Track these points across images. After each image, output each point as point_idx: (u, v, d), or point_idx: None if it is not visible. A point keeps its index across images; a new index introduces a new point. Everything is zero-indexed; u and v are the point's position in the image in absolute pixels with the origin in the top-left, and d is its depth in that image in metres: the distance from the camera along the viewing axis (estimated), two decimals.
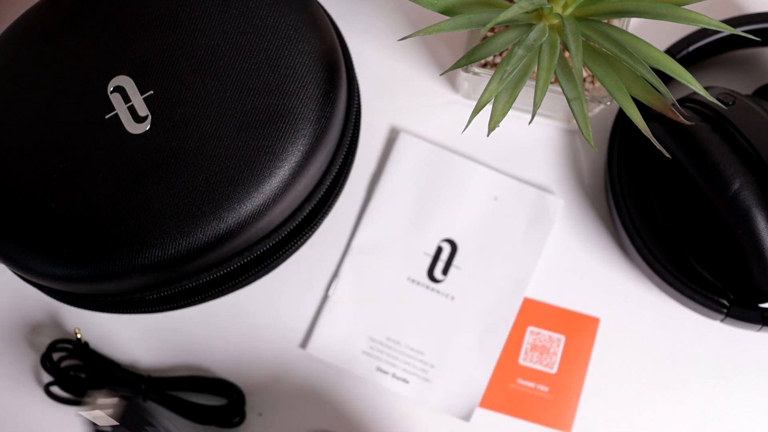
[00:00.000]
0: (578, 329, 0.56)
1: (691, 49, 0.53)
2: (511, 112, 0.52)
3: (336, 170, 0.48)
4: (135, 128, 0.45)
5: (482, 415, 0.55)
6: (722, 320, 0.51)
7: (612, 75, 0.42)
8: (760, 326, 0.50)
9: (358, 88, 0.50)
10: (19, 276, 0.48)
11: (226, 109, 0.45)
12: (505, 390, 0.55)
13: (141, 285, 0.46)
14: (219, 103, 0.45)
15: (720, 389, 0.55)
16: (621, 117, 0.54)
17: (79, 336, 0.54)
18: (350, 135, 0.49)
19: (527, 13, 0.42)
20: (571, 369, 0.55)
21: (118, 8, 0.46)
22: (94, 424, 0.46)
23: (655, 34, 0.51)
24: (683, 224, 0.51)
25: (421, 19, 0.58)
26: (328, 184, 0.48)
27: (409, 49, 0.58)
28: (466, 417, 0.55)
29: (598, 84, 0.50)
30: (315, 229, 0.50)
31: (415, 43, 0.58)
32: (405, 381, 0.55)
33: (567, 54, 0.47)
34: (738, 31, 0.40)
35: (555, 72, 0.41)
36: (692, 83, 0.40)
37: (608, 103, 0.49)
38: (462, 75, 0.53)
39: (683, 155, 0.48)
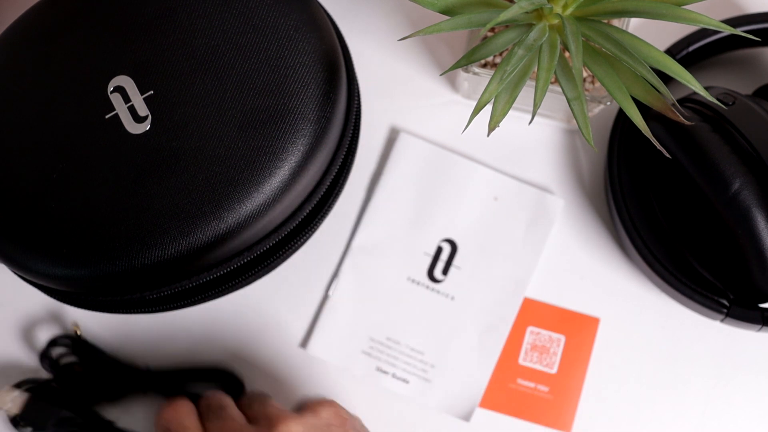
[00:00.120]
0: (578, 329, 0.56)
1: (691, 49, 0.53)
2: (511, 112, 0.52)
3: (336, 170, 0.48)
4: (135, 128, 0.45)
5: (482, 415, 0.55)
6: (722, 320, 0.51)
7: (612, 75, 0.42)
8: (760, 326, 0.50)
9: (358, 88, 0.50)
10: (19, 276, 0.48)
11: (226, 109, 0.45)
12: (505, 390, 0.55)
13: (141, 285, 0.46)
14: (219, 103, 0.45)
15: (720, 389, 0.55)
16: (621, 117, 0.54)
17: (77, 332, 0.54)
18: (350, 135, 0.49)
19: (527, 13, 0.42)
20: (571, 369, 0.55)
21: (118, 8, 0.46)
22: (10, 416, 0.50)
23: (655, 34, 0.51)
24: (683, 224, 0.51)
25: (421, 19, 0.58)
26: (328, 184, 0.48)
27: (409, 49, 0.58)
28: (466, 417, 0.55)
29: (598, 84, 0.50)
30: (315, 229, 0.50)
31: (415, 43, 0.58)
32: (405, 381, 0.55)
33: (567, 54, 0.47)
34: (738, 31, 0.40)
35: (555, 72, 0.41)
36: (692, 83, 0.40)
37: (608, 103, 0.49)
38: (462, 75, 0.53)
39: (683, 155, 0.48)
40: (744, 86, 0.56)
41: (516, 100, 0.42)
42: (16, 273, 0.48)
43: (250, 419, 0.49)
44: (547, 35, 0.41)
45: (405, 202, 0.56)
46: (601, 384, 0.55)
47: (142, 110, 0.45)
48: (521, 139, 0.57)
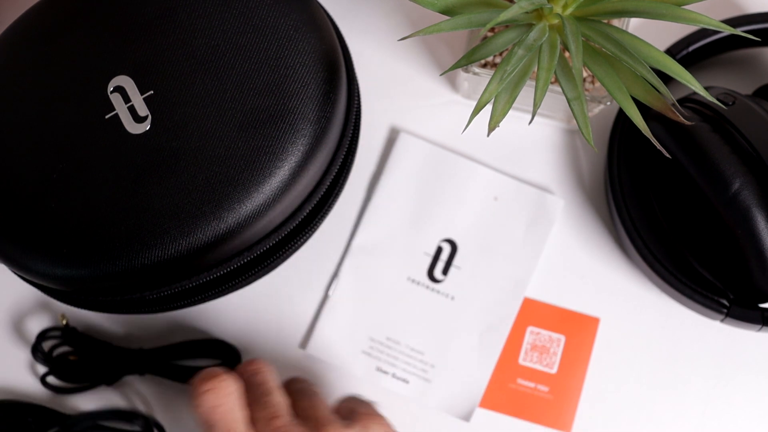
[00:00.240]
0: (578, 329, 0.56)
1: (691, 49, 0.53)
2: (511, 112, 0.52)
3: (336, 170, 0.48)
4: (135, 128, 0.45)
5: (482, 415, 0.55)
6: (722, 320, 0.51)
7: (612, 75, 0.42)
8: (760, 326, 0.50)
9: (358, 88, 0.50)
10: (19, 276, 0.48)
11: (226, 109, 0.45)
12: (505, 390, 0.55)
13: (141, 285, 0.46)
14: (219, 103, 0.45)
15: (720, 389, 0.55)
16: (621, 117, 0.54)
17: (65, 322, 0.54)
18: (350, 135, 0.49)
19: (527, 13, 0.42)
20: (571, 369, 0.55)
21: (118, 8, 0.46)
22: None
23: (655, 34, 0.51)
24: (683, 224, 0.51)
25: (421, 19, 0.58)
26: (328, 184, 0.48)
27: (409, 49, 0.58)
28: (466, 417, 0.55)
29: (598, 84, 0.50)
30: (315, 229, 0.50)
31: (415, 43, 0.58)
32: (405, 381, 0.55)
33: (567, 54, 0.47)
34: (738, 31, 0.40)
35: (555, 72, 0.41)
36: (692, 83, 0.40)
37: (608, 103, 0.49)
38: (462, 75, 0.53)
39: (683, 155, 0.48)
40: (744, 86, 0.56)
41: (516, 100, 0.42)
42: (16, 273, 0.48)
43: (297, 413, 0.45)
44: (547, 35, 0.41)
45: (405, 202, 0.56)
46: (601, 384, 0.55)
47: (142, 110, 0.45)
48: (521, 139, 0.57)
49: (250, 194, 0.44)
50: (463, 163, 0.57)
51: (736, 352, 0.55)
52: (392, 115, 0.57)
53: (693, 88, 0.40)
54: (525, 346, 0.55)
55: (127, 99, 0.45)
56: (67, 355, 0.54)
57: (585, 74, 0.50)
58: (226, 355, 0.54)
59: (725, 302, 0.51)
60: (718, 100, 0.48)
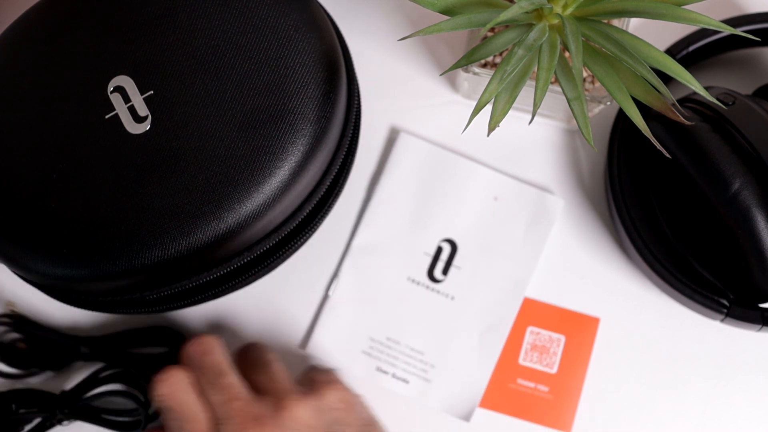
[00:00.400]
0: (578, 329, 0.56)
1: (691, 49, 0.53)
2: (511, 112, 0.52)
3: (336, 170, 0.48)
4: (135, 128, 0.45)
5: (482, 415, 0.55)
6: (722, 320, 0.51)
7: (612, 75, 0.42)
8: (760, 326, 0.50)
9: (358, 88, 0.50)
10: (19, 276, 0.48)
11: (226, 109, 0.45)
12: (505, 390, 0.55)
13: (141, 285, 0.46)
14: (219, 103, 0.45)
15: (720, 389, 0.55)
16: (621, 117, 0.54)
17: (12, 309, 0.54)
18: (350, 135, 0.49)
19: (527, 13, 0.42)
20: (571, 369, 0.55)
21: (118, 8, 0.46)
22: None
23: (655, 34, 0.51)
24: (683, 224, 0.51)
25: (421, 19, 0.58)
26: (328, 184, 0.48)
27: (409, 49, 0.58)
28: (466, 417, 0.55)
29: (598, 84, 0.50)
30: (315, 229, 0.50)
31: (415, 43, 0.58)
32: (405, 381, 0.55)
33: (567, 54, 0.47)
34: (738, 31, 0.40)
35: (555, 72, 0.41)
36: (692, 83, 0.40)
37: (608, 103, 0.49)
38: (462, 75, 0.53)
39: (683, 155, 0.48)
40: (744, 86, 0.56)
41: (516, 100, 0.42)
42: (16, 273, 0.48)
43: (254, 387, 0.46)
44: (547, 35, 0.41)
45: (405, 202, 0.56)
46: (601, 384, 0.55)
47: (142, 110, 0.45)
48: (521, 139, 0.57)
49: (250, 194, 0.44)
50: (463, 163, 0.57)
51: (736, 352, 0.55)
52: (392, 115, 0.57)
53: (693, 88, 0.40)
54: (525, 346, 0.55)
55: (127, 99, 0.45)
56: (15, 342, 0.54)
57: (585, 74, 0.50)
58: (173, 340, 0.54)
59: (725, 302, 0.51)
60: (718, 100, 0.48)
